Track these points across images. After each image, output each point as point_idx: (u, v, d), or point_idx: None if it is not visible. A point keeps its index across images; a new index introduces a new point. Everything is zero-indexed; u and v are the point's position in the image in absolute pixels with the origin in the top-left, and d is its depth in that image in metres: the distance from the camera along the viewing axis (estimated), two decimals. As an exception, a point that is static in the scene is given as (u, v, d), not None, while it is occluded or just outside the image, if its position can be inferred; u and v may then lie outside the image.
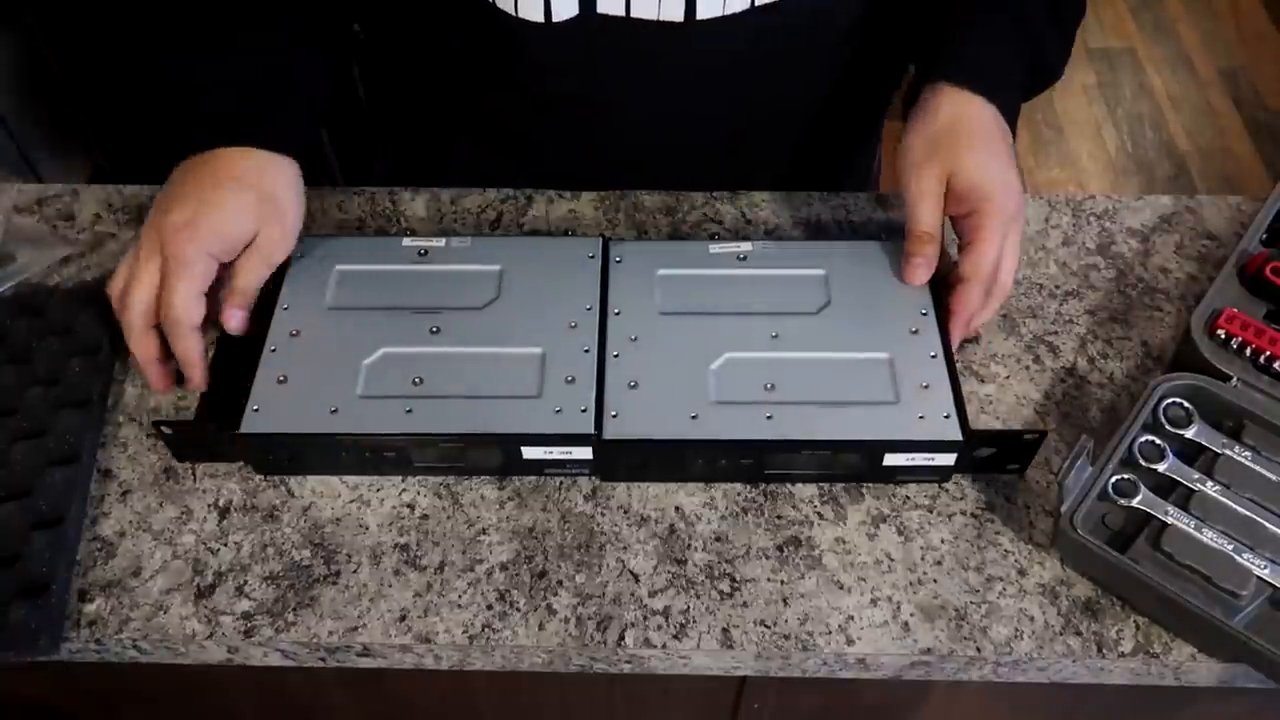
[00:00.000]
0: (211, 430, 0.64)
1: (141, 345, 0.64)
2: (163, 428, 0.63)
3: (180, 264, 0.62)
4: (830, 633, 0.59)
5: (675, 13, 0.69)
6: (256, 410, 0.63)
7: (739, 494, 0.64)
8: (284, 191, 0.67)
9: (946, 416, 0.62)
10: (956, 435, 0.61)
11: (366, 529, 0.63)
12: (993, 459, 0.64)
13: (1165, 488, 0.61)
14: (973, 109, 0.67)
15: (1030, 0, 0.71)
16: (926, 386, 0.63)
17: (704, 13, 0.69)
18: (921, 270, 0.67)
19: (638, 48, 0.71)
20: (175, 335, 0.63)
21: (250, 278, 0.65)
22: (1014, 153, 0.67)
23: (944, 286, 0.67)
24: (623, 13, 0.69)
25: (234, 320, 0.65)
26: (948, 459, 0.62)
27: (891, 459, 0.62)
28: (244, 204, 0.64)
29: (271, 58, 0.70)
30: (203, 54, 0.70)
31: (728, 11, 0.69)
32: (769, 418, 0.62)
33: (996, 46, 0.69)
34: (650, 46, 0.71)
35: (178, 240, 0.62)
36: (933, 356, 0.65)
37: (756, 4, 0.69)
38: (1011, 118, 0.69)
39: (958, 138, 0.65)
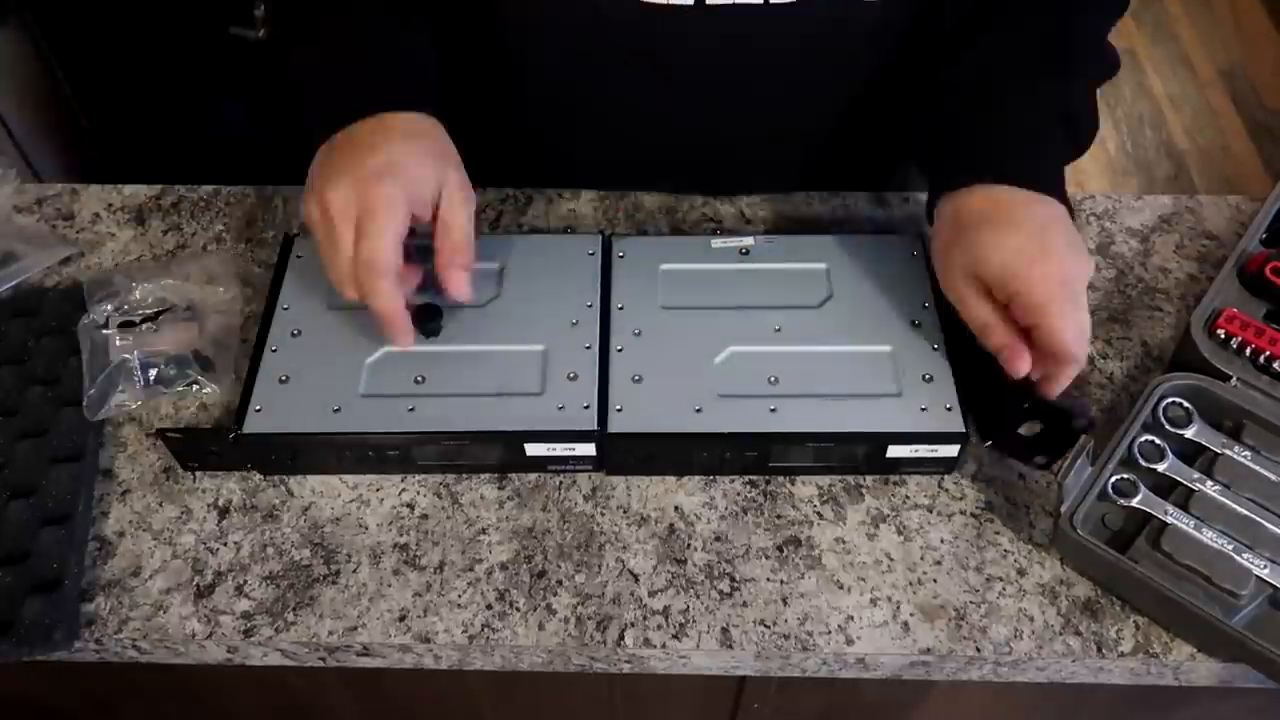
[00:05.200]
0: (218, 437, 0.63)
1: (385, 297, 0.60)
2: (167, 434, 0.63)
3: (385, 205, 0.58)
4: (830, 632, 0.59)
5: None
6: (259, 410, 0.63)
7: (739, 494, 0.64)
8: (446, 141, 0.65)
9: (949, 408, 0.62)
10: (959, 427, 0.62)
11: (366, 529, 0.63)
12: (1032, 443, 0.63)
13: (1165, 488, 0.61)
14: (998, 195, 0.62)
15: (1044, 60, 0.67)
16: (929, 379, 0.64)
17: None
18: (1019, 365, 0.60)
19: (649, 36, 0.70)
20: (376, 289, 0.59)
21: (463, 222, 0.62)
22: (1060, 220, 0.62)
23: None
24: None
25: (458, 284, 0.62)
26: (950, 450, 0.62)
27: (895, 451, 0.62)
28: (429, 150, 0.62)
29: (389, 32, 0.68)
30: (326, 36, 0.68)
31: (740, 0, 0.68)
32: (773, 410, 0.62)
33: (1028, 131, 0.65)
34: (662, 36, 0.70)
35: (381, 183, 0.59)
36: (934, 349, 0.65)
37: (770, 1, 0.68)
38: (1050, 187, 0.63)
39: (973, 229, 0.62)
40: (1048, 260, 0.59)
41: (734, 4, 0.68)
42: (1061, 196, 0.63)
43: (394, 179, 0.59)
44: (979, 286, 0.61)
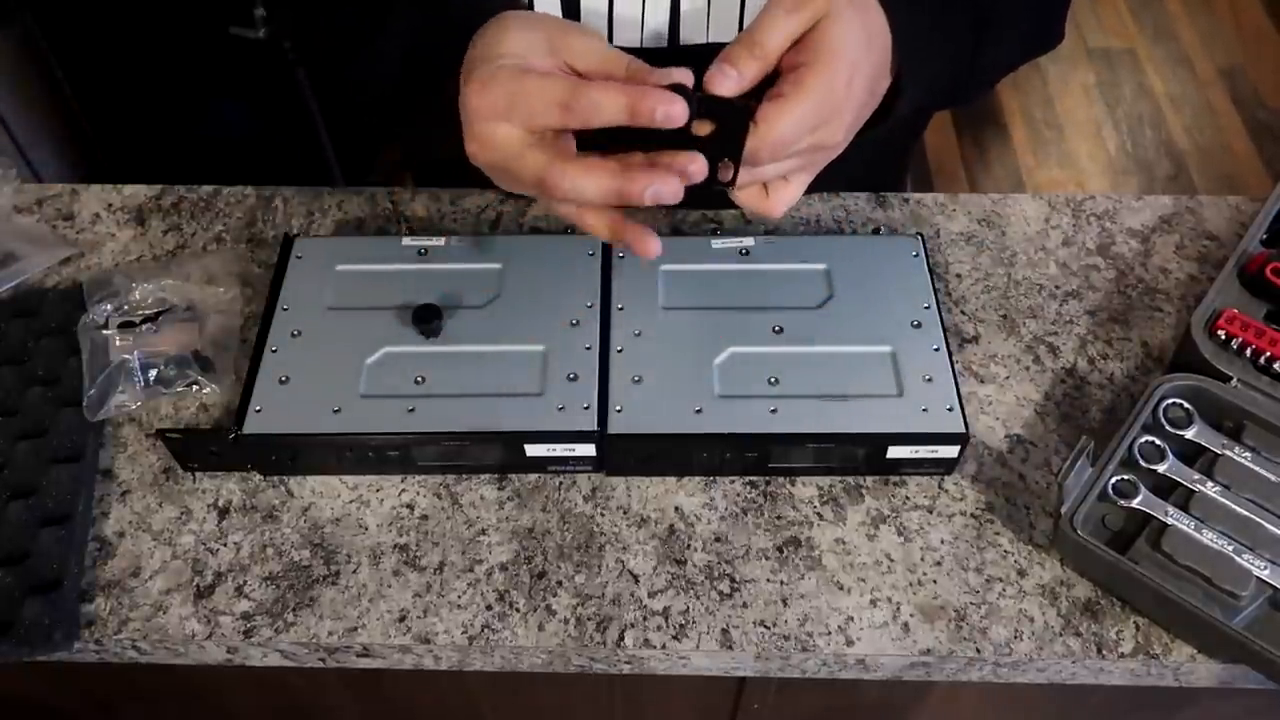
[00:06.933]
0: (218, 437, 0.63)
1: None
2: (167, 434, 0.63)
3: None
4: (830, 633, 0.59)
5: (658, 39, 0.68)
6: (259, 411, 0.63)
7: (739, 494, 0.64)
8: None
9: (950, 409, 0.62)
10: (959, 428, 0.62)
11: (366, 529, 0.63)
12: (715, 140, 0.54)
13: (1165, 488, 0.61)
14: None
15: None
16: (929, 379, 0.64)
17: (687, 38, 0.68)
18: (719, 79, 0.53)
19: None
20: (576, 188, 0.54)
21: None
22: (875, 75, 0.57)
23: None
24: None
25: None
26: (951, 451, 0.62)
27: (895, 451, 0.62)
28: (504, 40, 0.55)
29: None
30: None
31: (713, 39, 0.68)
32: (773, 411, 0.62)
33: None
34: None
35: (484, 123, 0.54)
36: (935, 350, 0.65)
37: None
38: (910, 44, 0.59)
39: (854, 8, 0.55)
40: (847, 61, 0.53)
41: (709, 42, 0.68)
42: (914, 73, 0.59)
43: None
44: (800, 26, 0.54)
